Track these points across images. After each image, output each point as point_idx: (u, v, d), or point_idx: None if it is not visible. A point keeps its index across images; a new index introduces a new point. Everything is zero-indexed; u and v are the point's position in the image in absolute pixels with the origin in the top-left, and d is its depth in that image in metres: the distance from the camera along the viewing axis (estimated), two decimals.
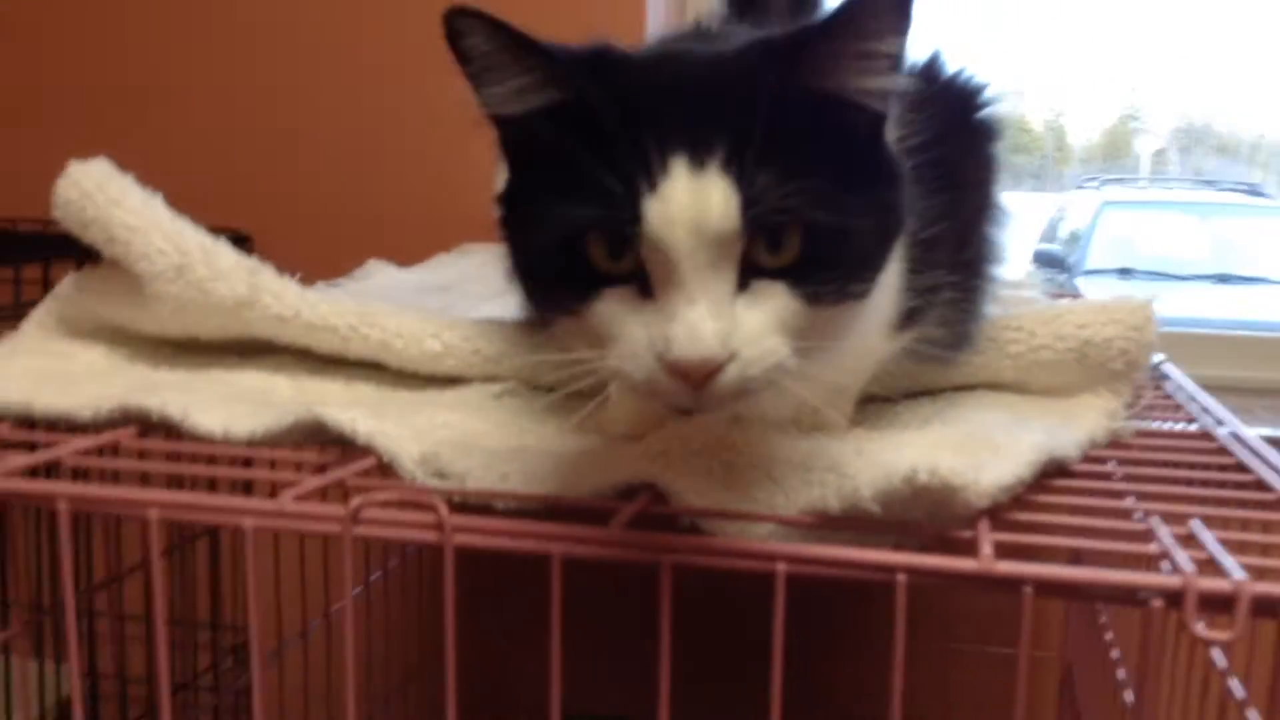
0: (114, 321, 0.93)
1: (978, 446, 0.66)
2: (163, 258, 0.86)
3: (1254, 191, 4.97)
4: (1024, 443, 0.66)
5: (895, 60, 0.57)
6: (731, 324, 0.55)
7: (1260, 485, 0.74)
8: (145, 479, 0.73)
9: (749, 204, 0.54)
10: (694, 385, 0.55)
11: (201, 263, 0.87)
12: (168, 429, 0.76)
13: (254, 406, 0.77)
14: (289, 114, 1.81)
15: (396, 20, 1.75)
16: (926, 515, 0.58)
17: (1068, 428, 0.77)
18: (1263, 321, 3.95)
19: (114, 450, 0.75)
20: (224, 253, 0.89)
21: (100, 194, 0.88)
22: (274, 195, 1.82)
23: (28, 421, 0.78)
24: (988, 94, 0.85)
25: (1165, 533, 0.58)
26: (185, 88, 1.84)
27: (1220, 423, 0.91)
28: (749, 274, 0.56)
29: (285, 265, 0.92)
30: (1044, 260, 5.12)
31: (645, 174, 0.54)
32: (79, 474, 0.70)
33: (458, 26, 0.56)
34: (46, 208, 0.89)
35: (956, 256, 0.80)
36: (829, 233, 0.56)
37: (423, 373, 0.88)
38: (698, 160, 0.54)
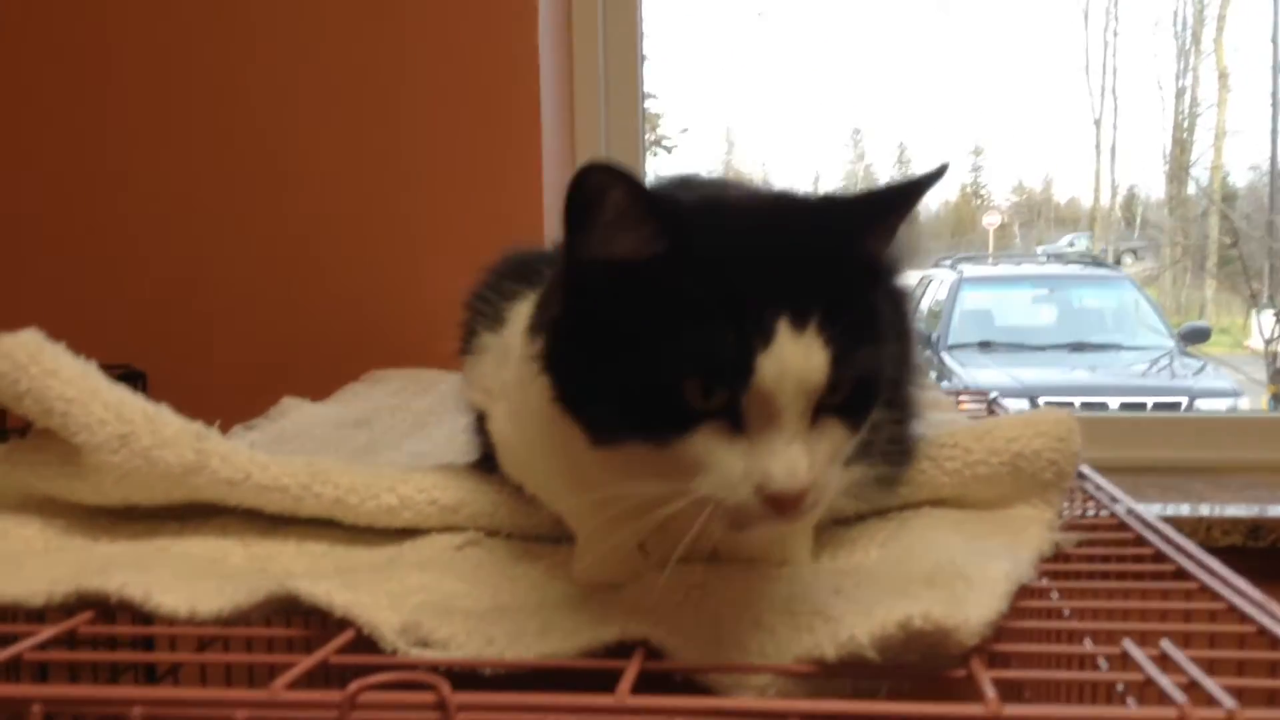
0: (47, 493, 0.89)
1: (949, 579, 0.69)
2: (104, 428, 0.85)
3: (1097, 262, 5.24)
4: (994, 572, 0.68)
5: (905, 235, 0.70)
6: (813, 459, 0.62)
7: (1181, 574, 0.80)
8: (112, 672, 0.71)
9: (836, 362, 0.62)
10: (785, 512, 0.62)
11: (146, 431, 0.85)
12: (127, 612, 0.74)
13: (216, 582, 0.75)
14: (183, 244, 1.78)
15: (300, 146, 1.75)
16: (919, 657, 0.60)
17: (1020, 547, 0.80)
18: (1120, 385, 4.16)
19: (71, 639, 0.72)
20: (168, 419, 0.87)
21: (34, 365, 0.86)
22: (168, 329, 1.78)
23: None
24: (899, 265, 0.94)
25: (1142, 657, 0.61)
26: (70, 216, 1.80)
27: (1130, 511, 0.97)
28: (816, 413, 0.64)
29: (182, 404, 0.91)
30: None
31: (758, 331, 0.61)
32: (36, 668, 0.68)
33: (597, 181, 0.62)
34: None
35: (893, 395, 0.85)
36: (871, 378, 0.67)
37: (377, 527, 0.88)
38: (799, 321, 0.62)
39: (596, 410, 0.67)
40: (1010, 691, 0.62)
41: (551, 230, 1.72)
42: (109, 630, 0.73)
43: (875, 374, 0.67)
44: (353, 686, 0.59)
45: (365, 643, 0.69)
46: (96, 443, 0.84)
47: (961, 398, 1.49)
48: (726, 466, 0.62)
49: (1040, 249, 5.50)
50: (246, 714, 0.59)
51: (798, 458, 0.61)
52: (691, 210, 0.67)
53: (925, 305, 5.52)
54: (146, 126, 1.77)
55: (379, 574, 0.77)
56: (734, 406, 0.62)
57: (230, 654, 0.72)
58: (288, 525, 0.88)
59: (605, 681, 0.60)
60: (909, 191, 0.68)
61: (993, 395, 1.48)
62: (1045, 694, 0.85)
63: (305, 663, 0.64)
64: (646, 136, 2.01)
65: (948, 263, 5.61)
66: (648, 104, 2.00)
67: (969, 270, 5.41)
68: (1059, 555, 0.86)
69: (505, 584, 0.77)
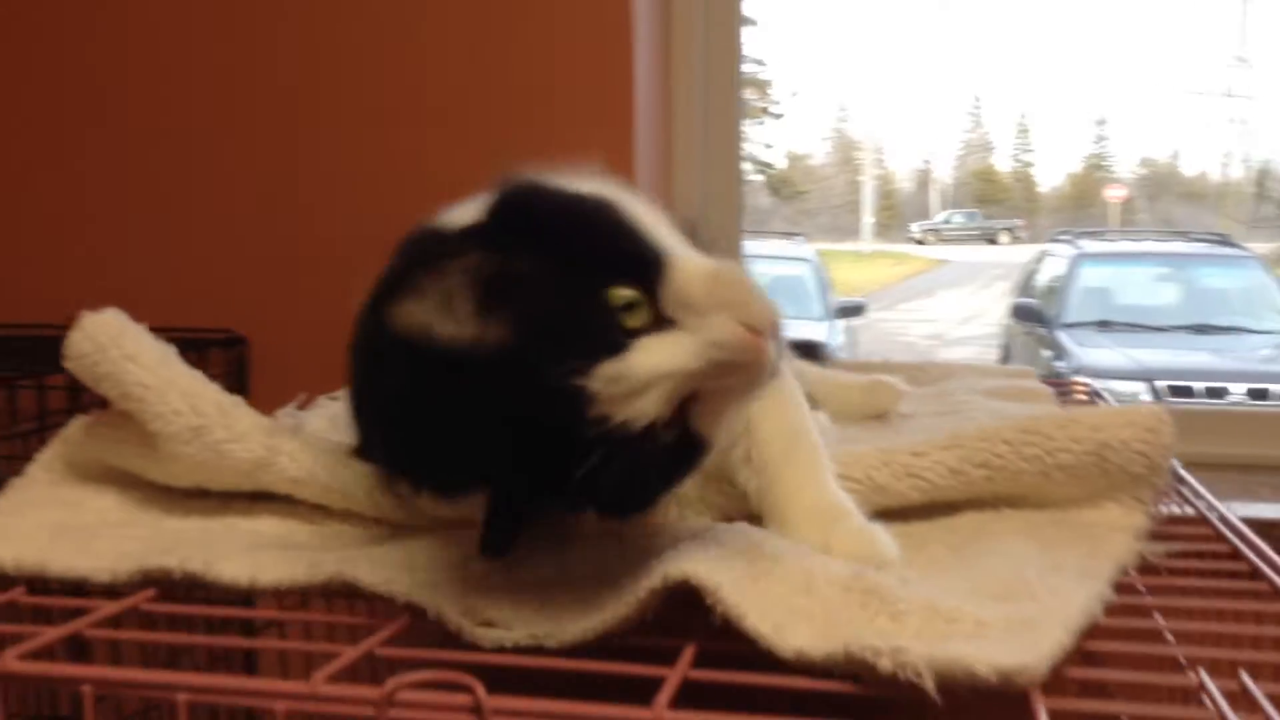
0: (124, 468, 0.91)
1: (1019, 595, 0.66)
2: (178, 418, 0.86)
3: (1223, 241, 5.04)
4: (1069, 600, 0.65)
5: None
6: None
7: (1255, 574, 0.78)
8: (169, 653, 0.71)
9: None
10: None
11: (219, 424, 0.86)
12: (191, 585, 0.75)
13: (279, 553, 0.76)
14: (287, 210, 1.80)
15: (399, 115, 1.75)
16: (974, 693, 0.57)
17: (1101, 558, 0.77)
18: (1244, 370, 4.00)
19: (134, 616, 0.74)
20: (242, 413, 0.89)
21: (114, 348, 0.87)
22: (270, 295, 1.80)
23: (42, 583, 0.77)
24: None
25: (1216, 692, 0.58)
26: (179, 181, 1.83)
27: (1222, 519, 0.93)
28: None
29: (282, 368, 0.92)
30: (1023, 314, 5.18)
31: None
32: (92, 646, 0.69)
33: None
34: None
35: None
36: None
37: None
38: None
39: None
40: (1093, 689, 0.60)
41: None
42: (169, 609, 0.74)
43: None
44: (390, 685, 0.59)
45: (417, 630, 0.69)
46: (170, 432, 0.85)
47: (1061, 388, 1.44)
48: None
49: (916, 225, 5.31)
50: (286, 705, 0.60)
51: None
52: None
53: (1043, 281, 5.39)
54: (249, 92, 1.79)
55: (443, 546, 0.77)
56: None
57: (283, 641, 0.72)
58: None
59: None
60: None
61: (1094, 387, 1.42)
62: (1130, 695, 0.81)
63: (349, 654, 0.64)
64: (754, 103, 1.97)
65: (1067, 238, 5.46)
66: (756, 70, 1.95)
67: (1089, 246, 5.25)
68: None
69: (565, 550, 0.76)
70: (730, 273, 0.65)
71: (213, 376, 1.71)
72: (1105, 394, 1.39)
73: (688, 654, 0.62)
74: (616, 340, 0.61)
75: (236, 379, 1.79)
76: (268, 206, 1.80)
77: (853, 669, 0.58)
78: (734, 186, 1.88)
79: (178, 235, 1.83)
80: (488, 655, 0.65)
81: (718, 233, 1.81)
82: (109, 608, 0.72)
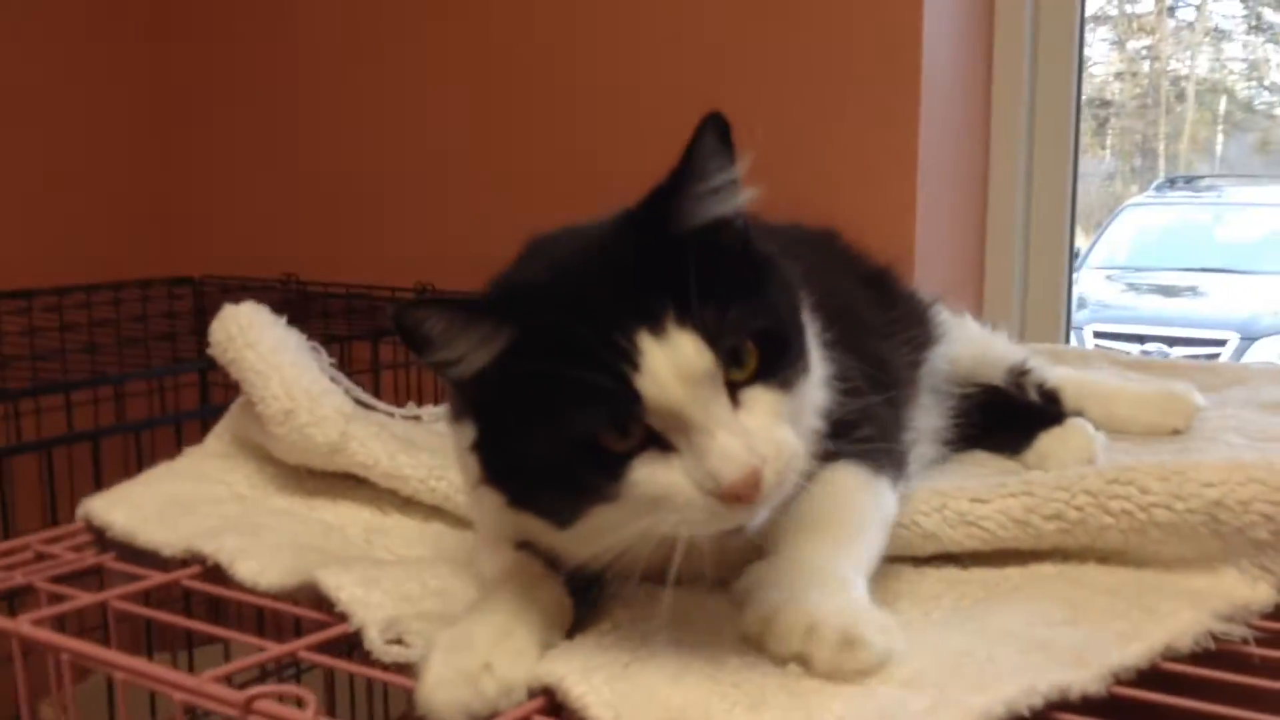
0: (261, 445, 1.02)
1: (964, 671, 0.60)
2: (275, 402, 0.95)
3: None
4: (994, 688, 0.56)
5: (736, 184, 0.68)
6: (748, 436, 0.62)
7: None
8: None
9: (712, 340, 0.62)
10: (749, 500, 0.61)
11: (305, 409, 0.95)
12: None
13: (295, 553, 0.82)
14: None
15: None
16: None
17: (1129, 645, 0.64)
18: None
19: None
20: (328, 400, 0.97)
21: (240, 337, 0.99)
22: None
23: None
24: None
25: None
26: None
27: None
28: (733, 392, 0.63)
29: None
30: None
31: (625, 359, 0.61)
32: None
33: (408, 321, 0.64)
34: None
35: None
36: (769, 330, 0.66)
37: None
38: (657, 327, 0.62)
39: (547, 497, 0.67)
40: None
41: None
42: (202, 588, 0.83)
43: (770, 324, 0.66)
44: (251, 691, 0.62)
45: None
46: (269, 414, 0.96)
47: None
48: (675, 489, 0.62)
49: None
50: (182, 697, 0.65)
51: (729, 444, 0.61)
52: (518, 289, 0.69)
53: None
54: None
55: (423, 569, 0.79)
56: (651, 433, 0.62)
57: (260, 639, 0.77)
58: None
59: None
60: (686, 158, 0.66)
61: None
62: None
63: (272, 652, 0.69)
64: None
65: None
66: None
67: None
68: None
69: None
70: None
71: None
72: None
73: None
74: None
75: None
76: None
77: None
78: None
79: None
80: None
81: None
82: (150, 581, 0.81)
